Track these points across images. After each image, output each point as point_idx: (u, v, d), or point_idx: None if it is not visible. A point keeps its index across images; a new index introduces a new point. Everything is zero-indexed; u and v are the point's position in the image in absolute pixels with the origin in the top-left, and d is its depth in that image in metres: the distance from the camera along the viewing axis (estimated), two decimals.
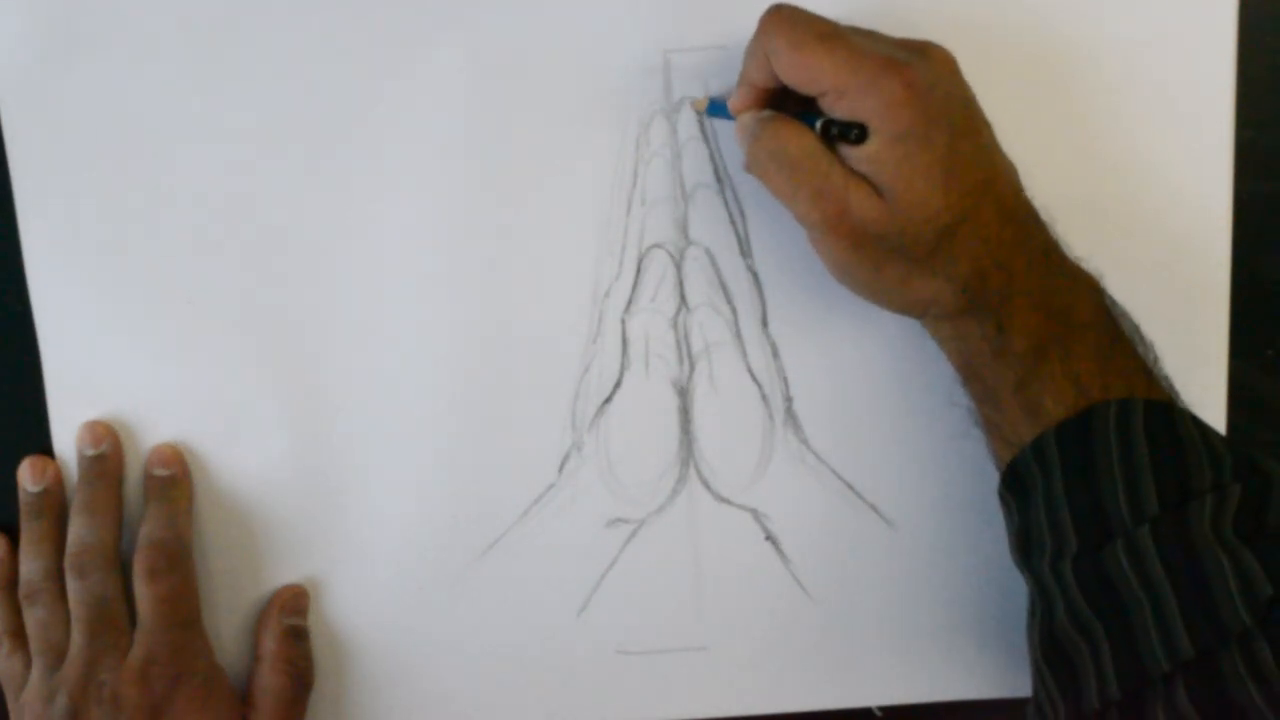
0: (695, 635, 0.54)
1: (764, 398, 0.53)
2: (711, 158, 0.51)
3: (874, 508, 0.53)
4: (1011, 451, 0.45)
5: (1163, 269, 0.52)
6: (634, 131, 0.51)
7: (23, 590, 0.51)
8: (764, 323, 0.52)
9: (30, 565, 0.51)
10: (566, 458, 0.53)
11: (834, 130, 0.44)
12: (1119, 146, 0.51)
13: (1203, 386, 0.52)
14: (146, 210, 0.51)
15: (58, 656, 0.50)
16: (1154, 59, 0.50)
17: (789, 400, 0.53)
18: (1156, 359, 0.46)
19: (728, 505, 0.53)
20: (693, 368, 0.53)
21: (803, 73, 0.44)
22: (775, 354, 0.52)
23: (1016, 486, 0.45)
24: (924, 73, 0.43)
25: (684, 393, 0.53)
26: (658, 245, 0.52)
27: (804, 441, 0.53)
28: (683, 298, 0.52)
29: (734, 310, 0.52)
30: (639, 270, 0.52)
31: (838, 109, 0.44)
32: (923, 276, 0.45)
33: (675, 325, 0.52)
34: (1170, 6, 0.50)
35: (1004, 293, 0.44)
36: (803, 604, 0.54)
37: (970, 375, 0.47)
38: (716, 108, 0.50)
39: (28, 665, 0.51)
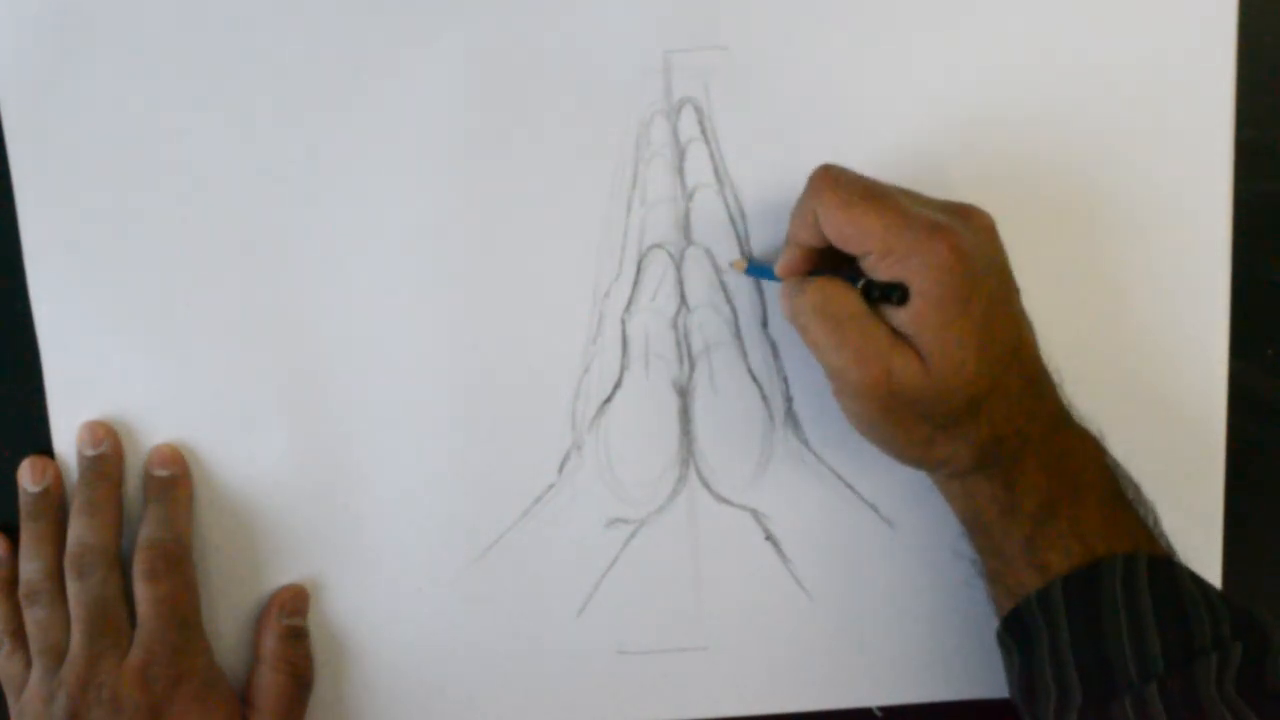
0: (695, 635, 0.54)
1: (764, 398, 0.53)
2: (711, 157, 0.51)
3: (874, 508, 0.53)
4: (1014, 600, 0.46)
5: (1163, 269, 0.52)
6: (634, 131, 0.51)
7: (23, 590, 0.51)
8: (764, 323, 0.52)
9: (30, 565, 0.51)
10: (566, 458, 0.53)
11: (875, 292, 0.44)
12: (1120, 147, 0.51)
13: (1203, 387, 0.52)
14: (146, 210, 0.51)
15: (58, 657, 0.50)
16: (1153, 59, 0.50)
17: (789, 400, 0.53)
18: (1157, 519, 0.47)
19: (728, 505, 0.53)
20: (693, 368, 0.53)
21: (850, 232, 0.44)
22: (775, 354, 0.52)
23: (1019, 632, 0.46)
24: (968, 238, 0.43)
25: (684, 393, 0.53)
26: (658, 245, 0.52)
27: (804, 441, 0.53)
28: (683, 298, 0.52)
29: (734, 310, 0.52)
30: (639, 270, 0.52)
31: (881, 269, 0.44)
32: (945, 439, 0.45)
33: (675, 325, 0.52)
34: (1170, 6, 0.50)
35: (1016, 454, 0.45)
36: (803, 604, 0.54)
37: (977, 529, 0.47)
38: (759, 270, 0.50)
39: (28, 665, 0.51)
